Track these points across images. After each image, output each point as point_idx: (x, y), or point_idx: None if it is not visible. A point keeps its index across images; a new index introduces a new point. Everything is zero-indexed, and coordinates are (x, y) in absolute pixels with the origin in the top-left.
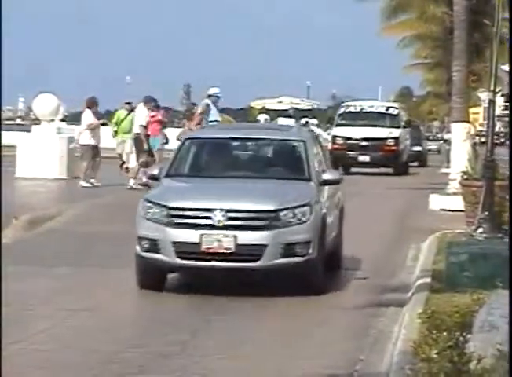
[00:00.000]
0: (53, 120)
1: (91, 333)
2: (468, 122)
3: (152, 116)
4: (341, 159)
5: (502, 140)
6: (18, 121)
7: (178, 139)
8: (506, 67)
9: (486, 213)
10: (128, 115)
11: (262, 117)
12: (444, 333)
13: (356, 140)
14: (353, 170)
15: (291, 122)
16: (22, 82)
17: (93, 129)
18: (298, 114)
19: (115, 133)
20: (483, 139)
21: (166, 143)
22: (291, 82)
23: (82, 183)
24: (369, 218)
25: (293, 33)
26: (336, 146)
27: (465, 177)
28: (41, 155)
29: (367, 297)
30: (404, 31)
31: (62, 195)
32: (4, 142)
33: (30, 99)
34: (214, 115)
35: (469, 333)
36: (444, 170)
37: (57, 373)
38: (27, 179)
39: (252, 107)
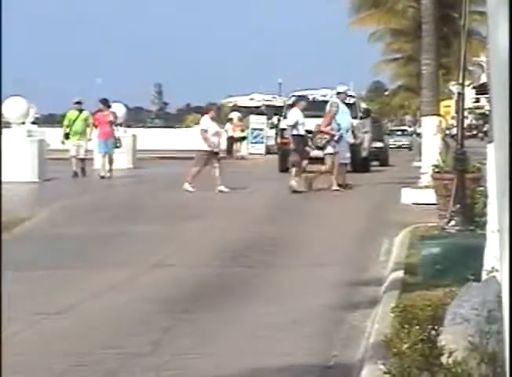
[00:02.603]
0: (23, 123)
1: (63, 335)
2: (439, 115)
3: (104, 116)
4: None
5: (474, 132)
6: None
7: (316, 143)
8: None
9: (458, 206)
10: (79, 115)
11: (235, 115)
12: (416, 327)
13: (308, 132)
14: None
15: (263, 119)
16: None
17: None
18: (271, 111)
19: (67, 135)
20: (454, 131)
21: (118, 147)
22: (263, 80)
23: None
24: (341, 213)
25: (265, 30)
26: (285, 140)
27: (436, 170)
28: (11, 158)
29: (340, 292)
30: (374, 25)
31: (34, 198)
32: None
33: None
34: (344, 114)
35: (441, 326)
36: (416, 164)
37: (29, 375)
38: None
39: (223, 105)
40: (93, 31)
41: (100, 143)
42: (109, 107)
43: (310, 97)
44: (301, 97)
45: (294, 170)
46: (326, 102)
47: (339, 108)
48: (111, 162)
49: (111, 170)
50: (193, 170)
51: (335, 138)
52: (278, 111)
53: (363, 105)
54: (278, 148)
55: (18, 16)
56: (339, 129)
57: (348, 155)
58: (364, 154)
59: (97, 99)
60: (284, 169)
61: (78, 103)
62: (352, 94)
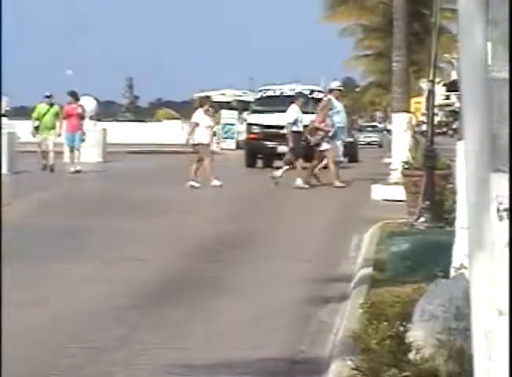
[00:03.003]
0: None
1: (34, 328)
2: (409, 112)
3: (73, 109)
4: (258, 150)
5: (444, 129)
6: None
7: (309, 138)
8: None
9: (427, 202)
10: (49, 109)
11: None
12: (385, 323)
13: (275, 127)
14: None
15: (235, 114)
16: None
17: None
18: (242, 106)
19: (36, 129)
20: (424, 128)
21: (83, 140)
22: (234, 75)
23: (215, 182)
24: (310, 209)
25: (235, 25)
26: (252, 135)
27: (406, 166)
28: None
29: (309, 287)
30: (345, 21)
31: (4, 191)
32: None
33: None
34: (340, 111)
35: (409, 323)
36: (386, 160)
37: None
38: None
39: (195, 100)
40: (66, 22)
41: (68, 136)
42: (78, 99)
43: (278, 92)
44: (268, 91)
45: (285, 167)
46: (292, 96)
47: (333, 106)
48: (78, 155)
49: (78, 164)
50: (197, 166)
51: (330, 134)
52: (248, 106)
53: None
54: (245, 143)
55: None
56: (333, 126)
57: (341, 152)
58: None
59: (67, 91)
60: (251, 164)
61: (48, 97)
62: (321, 89)
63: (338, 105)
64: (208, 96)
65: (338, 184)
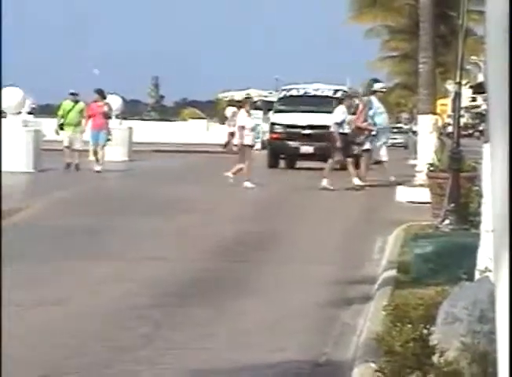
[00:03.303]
0: (19, 113)
1: (56, 327)
2: (435, 113)
3: (98, 106)
4: (281, 150)
5: (470, 131)
6: None
7: (353, 138)
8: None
9: (452, 204)
10: (74, 106)
11: (230, 110)
12: (408, 325)
13: (298, 127)
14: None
15: (260, 114)
16: None
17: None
18: (267, 106)
19: (61, 126)
20: (450, 129)
21: (110, 139)
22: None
23: (248, 184)
24: (335, 209)
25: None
26: (275, 135)
27: (431, 168)
28: (7, 149)
29: (333, 289)
30: (371, 21)
31: (29, 189)
32: None
33: None
34: (382, 113)
35: (432, 325)
36: (412, 162)
37: (21, 366)
38: None
39: (220, 100)
40: (93, 23)
41: (93, 134)
42: (104, 98)
43: (301, 91)
44: (291, 90)
45: (328, 167)
46: (318, 96)
47: (375, 106)
48: (102, 153)
49: (103, 162)
50: (243, 166)
51: (373, 133)
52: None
53: (356, 101)
54: (268, 143)
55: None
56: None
57: (385, 152)
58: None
59: (93, 89)
60: (274, 164)
61: (74, 94)
62: (345, 89)
63: (381, 107)
64: (249, 97)
65: (359, 182)
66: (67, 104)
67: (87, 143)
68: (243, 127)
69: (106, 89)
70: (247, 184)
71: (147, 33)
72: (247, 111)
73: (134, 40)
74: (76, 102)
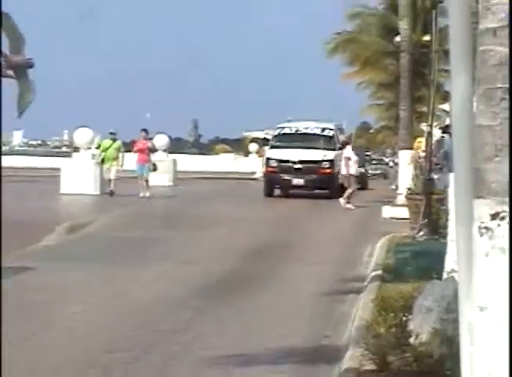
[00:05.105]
0: (89, 148)
1: (109, 316)
2: (411, 149)
3: (144, 143)
4: (276, 182)
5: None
6: (64, 149)
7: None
8: (445, 107)
9: (426, 220)
10: (112, 144)
11: (253, 146)
12: (391, 314)
13: (290, 162)
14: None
15: None
16: (65, 119)
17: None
18: None
19: (103, 160)
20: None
21: (155, 170)
22: (276, 117)
23: (349, 206)
24: (333, 224)
25: (274, 71)
26: (270, 169)
27: (409, 192)
28: (79, 176)
29: (332, 285)
30: (361, 78)
31: (96, 207)
32: (52, 166)
33: (72, 131)
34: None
35: (410, 314)
36: (393, 187)
37: (74, 345)
38: (69, 194)
39: (245, 138)
40: (150, 79)
41: (139, 166)
42: (148, 135)
43: (293, 129)
44: (284, 128)
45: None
46: (308, 134)
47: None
48: (147, 182)
49: (148, 189)
50: (349, 191)
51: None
52: None
53: (342, 137)
54: (264, 175)
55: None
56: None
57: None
58: (340, 181)
59: (140, 128)
60: (269, 193)
61: (112, 133)
62: (331, 127)
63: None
64: (350, 135)
65: (349, 206)
66: (107, 142)
67: (130, 173)
68: (348, 158)
69: (155, 129)
70: (349, 205)
71: (188, 79)
72: (351, 146)
73: (178, 87)
74: (114, 140)
